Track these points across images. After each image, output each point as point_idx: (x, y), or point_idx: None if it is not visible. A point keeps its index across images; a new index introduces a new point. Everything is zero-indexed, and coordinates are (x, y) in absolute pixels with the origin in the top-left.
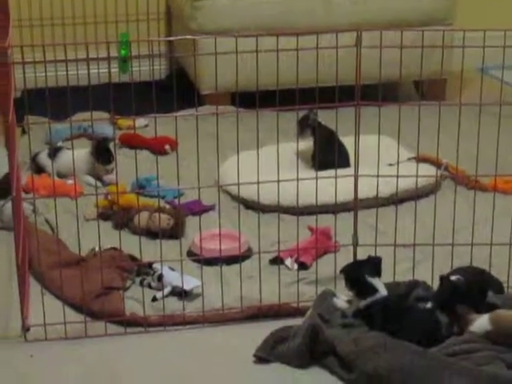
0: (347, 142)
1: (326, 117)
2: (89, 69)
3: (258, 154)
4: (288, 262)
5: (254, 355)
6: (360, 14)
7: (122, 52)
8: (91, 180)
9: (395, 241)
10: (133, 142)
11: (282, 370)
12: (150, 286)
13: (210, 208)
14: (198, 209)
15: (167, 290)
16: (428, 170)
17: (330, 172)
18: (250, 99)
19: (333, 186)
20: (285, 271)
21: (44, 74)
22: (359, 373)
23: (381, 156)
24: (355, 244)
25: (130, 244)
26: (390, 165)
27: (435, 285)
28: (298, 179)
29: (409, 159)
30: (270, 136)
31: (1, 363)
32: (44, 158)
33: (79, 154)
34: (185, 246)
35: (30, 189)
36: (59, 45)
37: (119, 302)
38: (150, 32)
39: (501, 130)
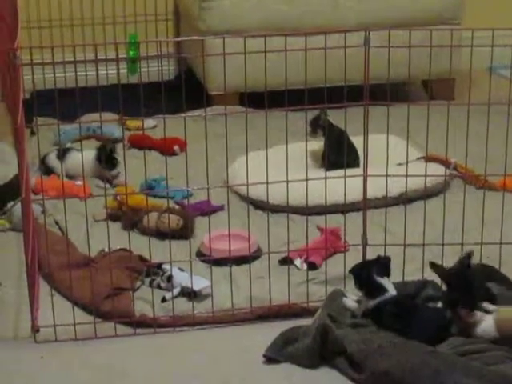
0: (356, 141)
1: (334, 116)
2: (97, 70)
3: (266, 154)
4: (297, 262)
5: (264, 355)
6: (368, 14)
7: (131, 53)
8: (100, 183)
9: (404, 240)
10: (142, 143)
11: (291, 370)
12: (159, 287)
13: (219, 208)
14: (207, 209)
15: (176, 290)
16: (437, 170)
17: (339, 172)
18: (258, 99)
19: (342, 185)
20: (294, 271)
21: (53, 76)
22: (369, 373)
23: (390, 156)
24: (364, 244)
25: (140, 245)
26: (399, 164)
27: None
28: (307, 179)
29: (418, 159)
30: (278, 136)
31: (11, 364)
32: (53, 160)
33: (87, 156)
34: (194, 247)
35: (39, 190)
36: (68, 46)
37: (129, 302)
38: (158, 33)
39: (510, 130)
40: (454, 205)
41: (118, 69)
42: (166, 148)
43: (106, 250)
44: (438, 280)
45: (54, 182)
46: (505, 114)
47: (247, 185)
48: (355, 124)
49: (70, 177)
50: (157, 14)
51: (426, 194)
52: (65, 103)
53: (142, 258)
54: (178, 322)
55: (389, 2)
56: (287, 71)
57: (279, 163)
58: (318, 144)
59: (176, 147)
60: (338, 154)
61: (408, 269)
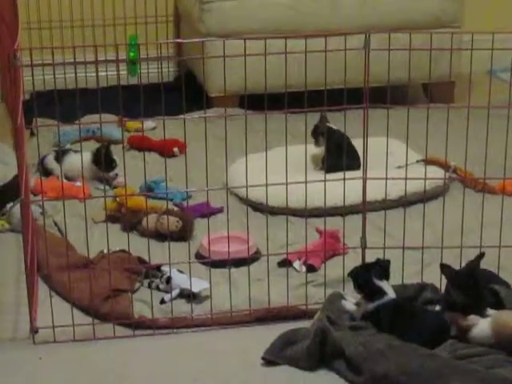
0: (356, 144)
1: (334, 119)
2: (97, 71)
3: (266, 157)
4: (296, 264)
5: (263, 358)
6: (367, 16)
7: (131, 54)
8: (99, 185)
9: (403, 243)
10: (141, 145)
11: (290, 373)
12: (158, 289)
13: (219, 210)
14: (207, 211)
15: (175, 292)
16: (436, 173)
17: (339, 174)
18: (258, 102)
19: (341, 188)
20: (293, 273)
21: (53, 77)
22: (368, 375)
23: (389, 158)
24: (364, 246)
25: (139, 246)
26: (399, 167)
27: (443, 287)
28: (306, 181)
29: (417, 162)
30: (278, 138)
31: (9, 365)
32: (51, 162)
33: (85, 158)
34: (193, 249)
35: (39, 191)
36: (68, 47)
37: (127, 304)
38: (158, 34)
39: (509, 133)
40: (453, 208)
41: (118, 70)
42: (166, 150)
43: (105, 251)
44: (436, 283)
45: (53, 183)
46: (504, 117)
47: (246, 187)
48: (355, 127)
49: (69, 179)
50: (157, 16)
51: (426, 197)
52: (65, 104)
53: (141, 260)
54: (176, 324)
55: (389, 5)
56: (287, 74)
57: (278, 165)
58: (318, 147)
59: (175, 149)
60: (338, 156)
61: (407, 271)
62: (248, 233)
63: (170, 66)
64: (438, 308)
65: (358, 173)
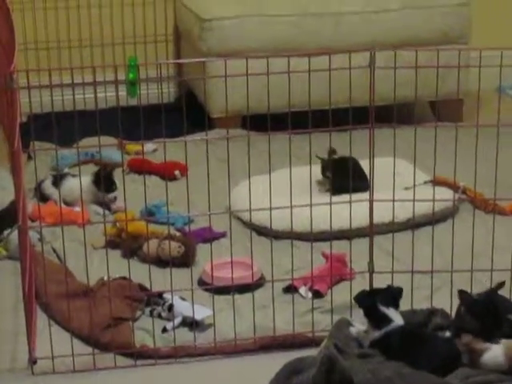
0: (362, 165)
1: (339, 139)
2: (96, 92)
3: (270, 179)
4: (302, 290)
5: None
6: (372, 33)
7: (131, 75)
8: (99, 209)
9: (412, 267)
10: (141, 168)
11: None
12: (160, 317)
13: (221, 235)
14: (209, 236)
15: (178, 320)
16: (445, 194)
17: (345, 197)
18: (261, 122)
19: (347, 211)
20: (299, 300)
21: (50, 99)
22: None
23: (396, 179)
24: (371, 271)
25: (140, 273)
26: (406, 188)
27: (454, 313)
28: (311, 204)
29: (425, 182)
30: (282, 160)
31: None
32: (48, 187)
33: (84, 182)
34: (195, 275)
35: (37, 217)
36: (66, 69)
37: (129, 333)
38: (158, 54)
39: None
40: (462, 230)
41: (117, 91)
42: (167, 173)
43: (105, 278)
44: (446, 308)
45: (51, 208)
46: None
47: (250, 210)
48: (361, 147)
49: (67, 203)
50: (156, 35)
51: (434, 219)
52: (63, 127)
53: (142, 287)
54: (179, 353)
55: (394, 21)
56: (290, 93)
57: (283, 188)
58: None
59: (177, 172)
60: (344, 177)
61: (416, 296)
62: (252, 258)
63: (171, 87)
64: (448, 334)
65: (365, 195)
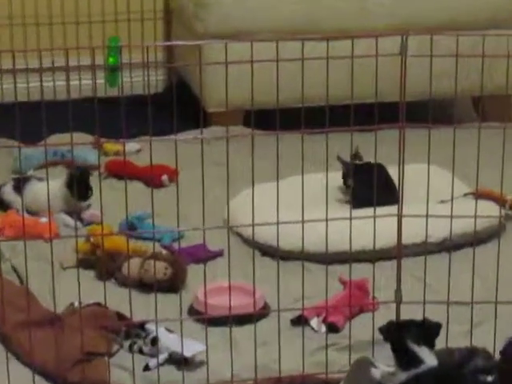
0: (389, 172)
1: (363, 141)
2: (68, 80)
3: (277, 188)
4: (314, 322)
5: None
6: (404, 14)
7: (111, 60)
8: (69, 220)
9: (448, 297)
10: (122, 172)
11: None
12: (141, 352)
13: (218, 254)
14: (203, 255)
15: (163, 356)
16: (489, 209)
17: (368, 210)
18: (267, 119)
19: (371, 227)
20: (310, 334)
21: (13, 86)
22: None
23: (431, 191)
24: (398, 301)
25: (118, 298)
26: (442, 202)
27: (498, 352)
28: (327, 219)
29: (465, 195)
30: (292, 165)
31: None
32: (9, 192)
33: (53, 187)
34: (186, 302)
35: None
36: (33, 51)
37: (103, 371)
38: (144, 35)
39: None
40: (509, 252)
41: (95, 79)
42: (153, 178)
43: (76, 304)
44: (489, 347)
45: (12, 218)
46: None
47: (253, 225)
48: (388, 151)
49: (32, 213)
50: (143, 12)
51: (476, 240)
52: (27, 120)
53: (120, 316)
54: None
55: (430, 0)
56: (304, 84)
57: (293, 199)
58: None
59: (164, 177)
60: (368, 187)
61: (453, 332)
62: (254, 283)
63: (159, 75)
64: (490, 379)
65: (392, 209)
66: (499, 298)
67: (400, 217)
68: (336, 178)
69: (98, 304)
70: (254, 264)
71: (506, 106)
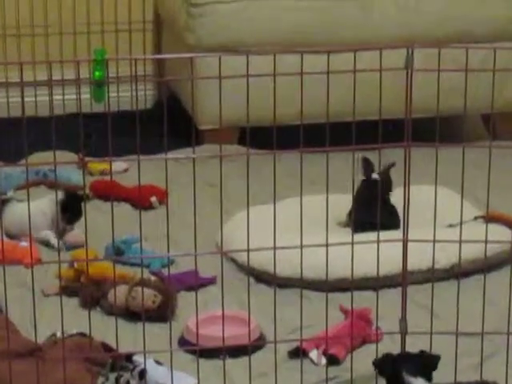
0: (394, 193)
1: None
2: (51, 95)
3: (274, 210)
4: (313, 354)
5: None
6: (410, 25)
7: (97, 74)
8: (52, 239)
9: (457, 327)
10: (108, 192)
11: None
12: None
13: (210, 281)
14: (194, 282)
15: None
16: (501, 233)
17: (371, 235)
18: (263, 137)
19: (374, 253)
20: (309, 367)
21: None
22: None
23: (438, 214)
24: (403, 331)
25: (103, 328)
26: (451, 226)
27: None
28: (327, 244)
29: (475, 218)
30: (290, 186)
31: None
32: None
33: (37, 206)
34: (176, 332)
35: None
36: (13, 64)
37: None
38: (132, 47)
39: None
40: None
41: (79, 94)
42: (141, 199)
43: (59, 334)
44: (500, 381)
45: None
46: None
47: (248, 250)
48: (393, 171)
49: (11, 236)
50: (131, 23)
51: (487, 266)
52: (7, 138)
53: (105, 347)
54: None
55: (438, 11)
56: (303, 100)
57: (290, 222)
58: (343, 197)
59: (153, 198)
60: (369, 209)
61: (462, 365)
62: (249, 311)
63: (148, 89)
64: None
65: (397, 233)
66: (511, 329)
67: (405, 242)
68: (337, 199)
69: (82, 334)
70: (248, 291)
71: None
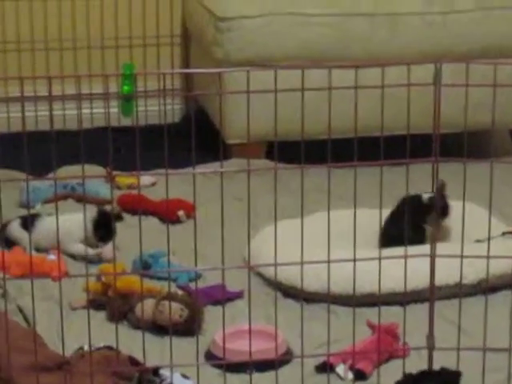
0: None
1: (393, 175)
2: (80, 108)
3: (302, 225)
4: (340, 369)
5: None
6: (437, 40)
7: (125, 88)
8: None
9: (484, 343)
10: (136, 206)
11: None
12: None
13: (237, 295)
14: (221, 296)
15: None
16: None
17: (399, 250)
18: (291, 151)
19: (402, 268)
20: (336, 382)
21: (21, 114)
22: None
23: (466, 229)
24: (430, 347)
25: (130, 342)
26: (479, 241)
27: None
28: (355, 259)
29: (504, 234)
30: (318, 200)
31: None
32: (16, 229)
33: (72, 220)
34: (202, 346)
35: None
36: (41, 78)
37: None
38: (160, 61)
39: None
40: None
41: (108, 108)
42: (168, 213)
43: (86, 348)
44: None
45: (18, 255)
46: None
47: (275, 265)
48: (420, 186)
49: (41, 250)
50: (159, 37)
51: None
52: (35, 151)
53: (132, 360)
54: None
55: (466, 25)
56: (331, 115)
57: (319, 237)
58: (372, 212)
59: (181, 212)
60: (398, 224)
61: (489, 381)
62: (276, 326)
63: (176, 103)
64: None
65: (425, 248)
66: None
67: (433, 257)
68: (364, 214)
69: (109, 347)
70: (276, 306)
71: None
